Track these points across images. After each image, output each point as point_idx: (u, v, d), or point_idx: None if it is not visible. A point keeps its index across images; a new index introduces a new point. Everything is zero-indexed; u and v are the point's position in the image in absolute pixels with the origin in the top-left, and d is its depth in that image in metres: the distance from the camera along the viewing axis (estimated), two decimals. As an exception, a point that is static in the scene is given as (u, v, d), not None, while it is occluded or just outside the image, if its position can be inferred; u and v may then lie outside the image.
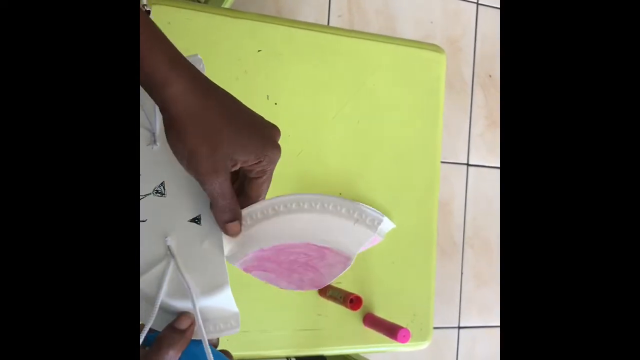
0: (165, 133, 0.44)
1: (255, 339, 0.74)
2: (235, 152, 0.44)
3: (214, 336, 0.47)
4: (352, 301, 0.73)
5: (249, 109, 0.48)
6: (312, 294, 0.78)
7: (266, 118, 0.76)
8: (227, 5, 1.08)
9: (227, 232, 0.47)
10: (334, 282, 0.78)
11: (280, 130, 0.76)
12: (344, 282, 0.80)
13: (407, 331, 0.72)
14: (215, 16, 0.74)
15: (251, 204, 0.48)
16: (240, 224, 0.47)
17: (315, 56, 0.79)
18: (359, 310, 0.75)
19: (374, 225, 0.45)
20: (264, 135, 0.46)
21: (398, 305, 0.84)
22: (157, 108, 0.47)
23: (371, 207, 0.46)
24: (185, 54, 0.51)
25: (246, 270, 0.46)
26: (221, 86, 0.47)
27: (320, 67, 0.79)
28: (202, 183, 0.44)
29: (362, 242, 0.45)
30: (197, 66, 0.51)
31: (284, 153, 0.77)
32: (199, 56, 0.51)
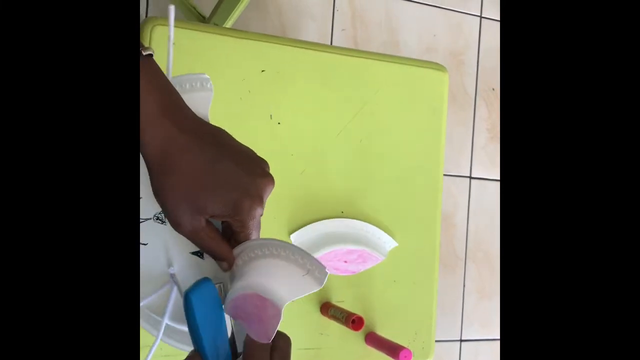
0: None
1: (257, 357, 0.75)
2: (204, 208, 0.43)
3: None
4: (354, 322, 0.73)
5: (238, 156, 0.46)
6: (314, 313, 0.78)
7: (269, 138, 0.76)
8: (231, 21, 1.08)
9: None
10: (335, 301, 0.78)
11: (284, 149, 0.77)
12: (346, 300, 0.80)
13: (409, 351, 0.72)
14: (219, 36, 0.74)
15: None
16: (229, 262, 0.46)
17: (318, 76, 0.79)
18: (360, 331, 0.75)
19: (322, 278, 0.44)
20: (241, 191, 0.45)
21: (400, 323, 0.84)
22: None
23: (324, 268, 0.45)
24: (189, 74, 0.51)
25: (231, 316, 0.46)
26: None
27: (323, 86, 0.79)
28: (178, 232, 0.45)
29: (303, 294, 0.45)
30: (203, 85, 0.50)
31: (287, 172, 0.77)
32: (206, 75, 0.51)
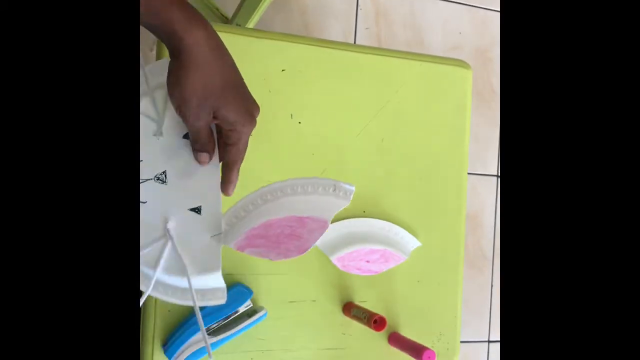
0: (168, 77, 0.49)
1: (280, 357, 0.75)
2: (220, 108, 0.49)
3: (202, 304, 0.52)
4: (376, 322, 0.72)
5: (242, 78, 0.53)
6: (336, 313, 0.77)
7: (290, 137, 0.77)
8: (253, 21, 1.09)
9: (197, 160, 0.52)
10: (358, 301, 0.78)
11: (305, 149, 0.77)
12: (369, 300, 0.79)
13: (433, 352, 0.71)
14: (240, 36, 0.74)
15: (227, 169, 0.53)
16: (210, 157, 0.52)
17: (339, 74, 0.79)
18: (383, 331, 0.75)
19: (347, 196, 0.53)
20: (245, 105, 0.51)
21: (424, 324, 0.83)
22: (168, 99, 0.51)
23: (347, 183, 0.53)
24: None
25: (239, 248, 0.51)
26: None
27: (344, 85, 0.79)
28: (185, 123, 0.50)
29: (335, 211, 0.52)
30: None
31: (308, 171, 0.77)
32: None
